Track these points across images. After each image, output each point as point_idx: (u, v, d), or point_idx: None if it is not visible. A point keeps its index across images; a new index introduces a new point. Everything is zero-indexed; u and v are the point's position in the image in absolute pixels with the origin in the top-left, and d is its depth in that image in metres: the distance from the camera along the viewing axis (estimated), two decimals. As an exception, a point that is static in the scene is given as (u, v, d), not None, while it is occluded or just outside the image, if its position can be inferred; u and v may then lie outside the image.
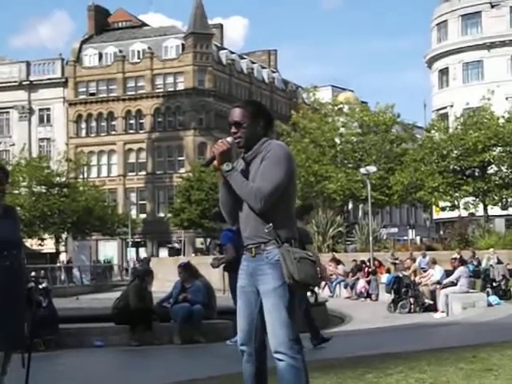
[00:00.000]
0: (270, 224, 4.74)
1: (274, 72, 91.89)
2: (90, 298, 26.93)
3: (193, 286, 13.20)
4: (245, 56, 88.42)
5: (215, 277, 16.71)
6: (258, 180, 4.77)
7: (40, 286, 12.87)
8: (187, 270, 13.46)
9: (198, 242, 71.29)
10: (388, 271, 28.79)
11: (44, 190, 60.59)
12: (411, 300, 21.87)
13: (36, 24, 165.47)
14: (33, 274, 30.33)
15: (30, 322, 6.07)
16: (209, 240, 63.27)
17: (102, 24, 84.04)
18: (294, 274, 4.64)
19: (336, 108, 59.36)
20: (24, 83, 79.48)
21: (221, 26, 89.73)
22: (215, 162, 4.88)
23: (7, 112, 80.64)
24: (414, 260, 26.39)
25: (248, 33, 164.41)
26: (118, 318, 13.10)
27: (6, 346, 5.80)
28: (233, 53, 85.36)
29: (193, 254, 57.94)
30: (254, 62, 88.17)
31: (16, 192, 58.09)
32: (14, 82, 79.37)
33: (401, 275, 22.98)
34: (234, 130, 4.95)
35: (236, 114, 4.95)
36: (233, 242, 11.29)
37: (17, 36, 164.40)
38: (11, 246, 5.84)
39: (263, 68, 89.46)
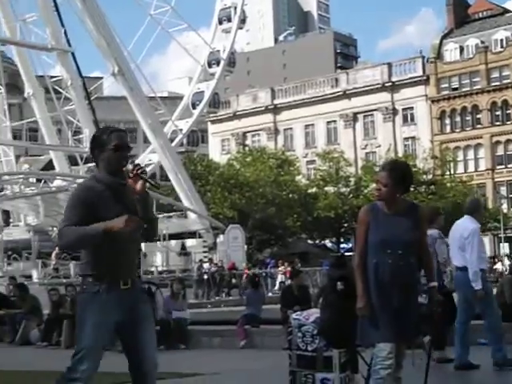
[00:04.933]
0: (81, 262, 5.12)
1: None
2: None
3: None
4: None
5: None
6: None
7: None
8: None
9: None
10: None
11: (412, 189, 60.91)
12: None
13: (403, 25, 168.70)
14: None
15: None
16: None
17: (461, 17, 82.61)
18: None
19: None
20: (386, 85, 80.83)
21: None
22: None
23: (371, 114, 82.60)
24: None
25: None
26: None
27: (399, 339, 5.77)
28: None
29: None
30: None
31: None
32: (377, 84, 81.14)
33: None
34: None
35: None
36: None
37: (385, 39, 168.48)
38: (402, 246, 5.72)
39: None
